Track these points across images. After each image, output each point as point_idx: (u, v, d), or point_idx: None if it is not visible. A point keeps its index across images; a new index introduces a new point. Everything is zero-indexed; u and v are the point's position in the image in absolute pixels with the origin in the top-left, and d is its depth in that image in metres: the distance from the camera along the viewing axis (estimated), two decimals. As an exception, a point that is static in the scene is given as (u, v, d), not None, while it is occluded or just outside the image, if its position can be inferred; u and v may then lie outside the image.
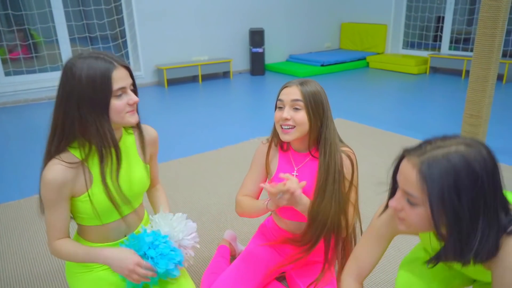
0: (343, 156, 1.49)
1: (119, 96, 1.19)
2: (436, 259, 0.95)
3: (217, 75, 7.03)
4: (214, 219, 2.36)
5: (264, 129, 4.02)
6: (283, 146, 1.59)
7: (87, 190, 1.25)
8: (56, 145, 1.21)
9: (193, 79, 6.70)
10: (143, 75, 6.18)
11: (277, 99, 1.48)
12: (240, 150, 3.49)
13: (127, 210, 1.37)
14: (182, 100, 5.42)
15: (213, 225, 2.30)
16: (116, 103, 1.18)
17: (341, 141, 1.54)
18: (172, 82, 6.49)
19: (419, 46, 7.63)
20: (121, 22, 6.07)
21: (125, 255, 1.25)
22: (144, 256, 1.28)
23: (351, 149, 1.53)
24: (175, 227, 1.35)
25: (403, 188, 0.93)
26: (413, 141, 3.55)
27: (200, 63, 6.44)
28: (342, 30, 8.34)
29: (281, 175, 1.38)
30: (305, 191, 1.47)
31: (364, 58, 7.63)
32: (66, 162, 1.21)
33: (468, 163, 0.85)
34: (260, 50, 6.90)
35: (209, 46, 6.79)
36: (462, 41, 6.98)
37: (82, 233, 1.40)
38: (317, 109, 1.44)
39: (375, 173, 2.91)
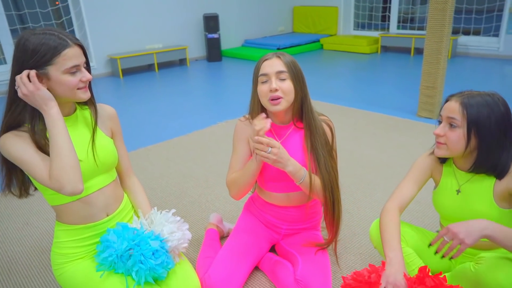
0: (324, 125, 1.57)
1: (74, 73, 1.24)
2: (472, 170, 1.30)
3: (173, 63, 6.91)
4: (194, 201, 2.37)
5: (229, 113, 4.05)
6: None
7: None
8: (9, 118, 1.25)
9: (149, 68, 6.54)
10: (95, 66, 5.93)
11: (259, 75, 1.50)
12: (210, 134, 3.50)
13: (99, 181, 1.38)
14: (140, 90, 5.29)
15: (194, 206, 2.31)
16: (70, 79, 1.23)
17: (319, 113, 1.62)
18: (127, 72, 6.30)
19: (369, 27, 7.95)
20: (66, 10, 5.77)
21: None
22: (141, 255, 1.30)
23: (327, 117, 1.62)
24: (174, 232, 1.39)
25: (447, 116, 1.28)
26: (375, 115, 3.75)
27: (155, 51, 6.29)
28: (294, 14, 8.47)
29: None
30: (299, 162, 1.53)
31: (318, 40, 7.82)
32: (15, 131, 1.25)
33: (495, 102, 1.25)
34: (215, 35, 6.86)
35: (163, 34, 6.64)
36: (409, 20, 7.36)
37: (60, 216, 1.39)
38: (300, 77, 1.51)
39: (344, 146, 3.05)
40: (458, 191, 1.36)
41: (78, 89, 1.27)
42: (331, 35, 7.96)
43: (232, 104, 4.45)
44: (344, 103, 4.20)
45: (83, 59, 1.28)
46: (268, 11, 8.03)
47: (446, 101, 1.33)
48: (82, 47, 1.28)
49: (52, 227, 2.18)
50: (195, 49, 7.12)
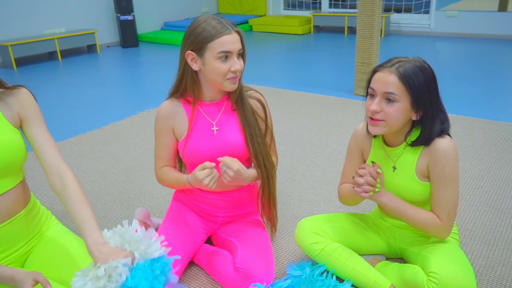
0: (252, 101, 1.62)
1: None
2: (416, 143, 1.36)
3: (80, 50, 6.57)
4: (115, 199, 2.29)
5: (150, 102, 3.96)
6: (189, 100, 1.59)
7: None
8: None
9: (50, 56, 6.16)
10: (-19, 56, 5.46)
11: (219, 51, 1.43)
12: (129, 125, 3.39)
13: None
14: (39, 81, 4.97)
15: (116, 204, 2.23)
16: None
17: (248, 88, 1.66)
18: (22, 62, 5.87)
19: (300, 6, 8.20)
20: None
21: None
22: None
23: (257, 91, 1.66)
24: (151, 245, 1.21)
25: (382, 91, 1.30)
26: (311, 96, 3.89)
27: (56, 37, 5.94)
28: (219, -7, 8.49)
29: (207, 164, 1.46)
30: (233, 145, 1.57)
31: (246, 22, 7.91)
32: None
33: (425, 67, 1.32)
34: (129, 17, 6.64)
35: (65, 16, 6.28)
36: (340, -2, 7.72)
37: None
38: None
39: (280, 128, 3.13)
40: (394, 168, 1.44)
41: None
42: (261, 16, 8.09)
43: (153, 92, 4.35)
44: (278, 86, 4.29)
45: None
46: (188, -11, 7.96)
47: (374, 72, 1.34)
48: None
49: None
50: (106, 33, 6.84)
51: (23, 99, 1.35)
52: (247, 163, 1.70)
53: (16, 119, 1.33)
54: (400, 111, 1.29)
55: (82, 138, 3.18)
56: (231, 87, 1.51)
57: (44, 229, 1.45)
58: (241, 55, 1.51)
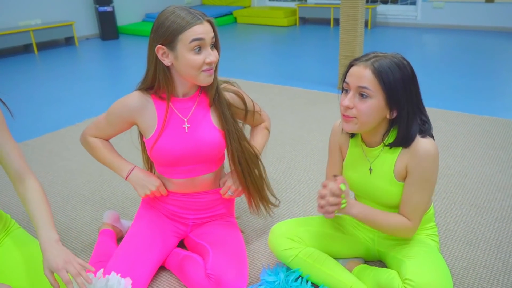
0: (228, 94, 1.56)
1: None
2: (393, 145, 1.31)
3: (57, 43, 6.42)
4: (86, 200, 2.22)
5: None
6: (162, 96, 1.52)
7: None
8: None
9: (26, 49, 6.00)
10: (-49, 49, 5.29)
11: (191, 40, 1.37)
12: (104, 122, 3.31)
13: None
14: (13, 75, 4.84)
15: (87, 206, 2.16)
16: None
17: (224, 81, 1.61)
18: (-5, 55, 5.72)
19: (285, -3, 8.13)
20: None
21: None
22: None
23: (232, 84, 1.60)
24: None
25: (356, 86, 1.24)
26: (294, 90, 3.84)
27: (31, 28, 5.78)
28: (202, -17, 8.36)
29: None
30: (204, 143, 1.51)
31: (231, 13, 7.81)
32: None
33: (403, 63, 1.25)
34: (108, 8, 6.51)
35: (41, 7, 6.12)
36: (326, -11, 7.66)
37: None
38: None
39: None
40: (370, 170, 1.39)
41: None
42: (245, 7, 8.00)
43: (132, 87, 4.24)
44: (261, 80, 4.23)
45: None
46: (171, -21, 7.82)
47: (350, 66, 1.28)
48: None
49: None
50: (85, 25, 6.69)
51: None
52: (220, 162, 1.64)
53: None
54: (373, 108, 1.24)
55: (55, 135, 3.09)
56: (207, 80, 1.44)
57: (3, 235, 1.38)
58: (215, 46, 1.44)
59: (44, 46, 6.21)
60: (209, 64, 1.40)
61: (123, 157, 1.64)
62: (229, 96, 1.56)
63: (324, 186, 1.27)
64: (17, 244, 1.36)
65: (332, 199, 1.25)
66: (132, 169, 1.59)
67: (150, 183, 1.58)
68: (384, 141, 1.34)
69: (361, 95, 1.24)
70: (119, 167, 1.60)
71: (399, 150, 1.33)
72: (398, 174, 1.34)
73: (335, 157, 1.52)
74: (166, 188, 1.63)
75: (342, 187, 1.27)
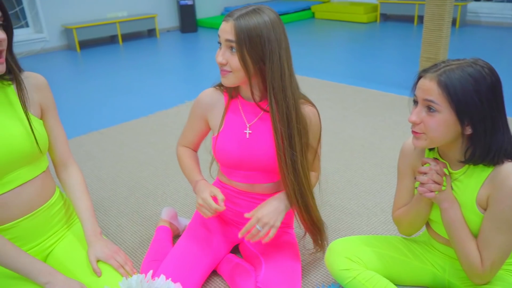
0: (309, 111, 1.42)
1: None
2: (467, 161, 1.18)
3: (140, 34, 6.70)
4: (150, 194, 2.25)
5: (201, 90, 3.90)
6: (231, 92, 1.47)
7: None
8: None
9: (112, 40, 6.33)
10: (47, 38, 5.69)
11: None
12: (175, 114, 3.37)
13: (21, 175, 1.23)
14: (100, 64, 5.11)
15: (149, 200, 2.19)
16: None
17: (304, 97, 1.45)
18: (85, 45, 6.09)
19: (367, -8, 7.79)
20: (11, -29, 5.51)
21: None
22: None
23: (314, 106, 1.46)
24: None
25: (423, 98, 1.14)
26: (368, 92, 3.65)
27: (118, 20, 6.08)
28: (282, -23, 8.28)
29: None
30: (263, 153, 1.42)
31: (309, 8, 7.66)
32: None
33: (482, 74, 1.11)
34: (189, 2, 6.65)
35: (127, 0, 6.41)
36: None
37: None
38: (258, 49, 1.31)
39: (329, 127, 2.94)
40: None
41: None
42: (324, 2, 7.79)
43: (205, 81, 4.31)
44: (335, 79, 4.07)
45: None
46: (251, -26, 7.83)
47: (419, 77, 1.18)
48: None
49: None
50: (166, 18, 6.91)
51: (43, 87, 1.35)
52: (279, 176, 1.54)
53: (37, 109, 1.32)
54: (441, 123, 1.12)
55: (128, 125, 3.19)
56: (222, 80, 1.37)
57: (70, 223, 1.43)
58: (238, 51, 1.29)
59: (129, 37, 6.51)
60: (219, 64, 1.34)
61: (200, 171, 1.58)
62: (308, 109, 1.42)
63: (424, 163, 1.23)
64: (79, 239, 1.38)
65: (435, 175, 1.18)
66: (198, 182, 1.50)
67: (200, 197, 1.44)
68: (465, 158, 1.18)
69: (429, 108, 1.14)
70: (191, 178, 1.55)
71: (486, 175, 1.16)
72: (480, 203, 1.18)
73: (406, 182, 1.37)
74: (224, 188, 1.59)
75: (446, 171, 1.21)
